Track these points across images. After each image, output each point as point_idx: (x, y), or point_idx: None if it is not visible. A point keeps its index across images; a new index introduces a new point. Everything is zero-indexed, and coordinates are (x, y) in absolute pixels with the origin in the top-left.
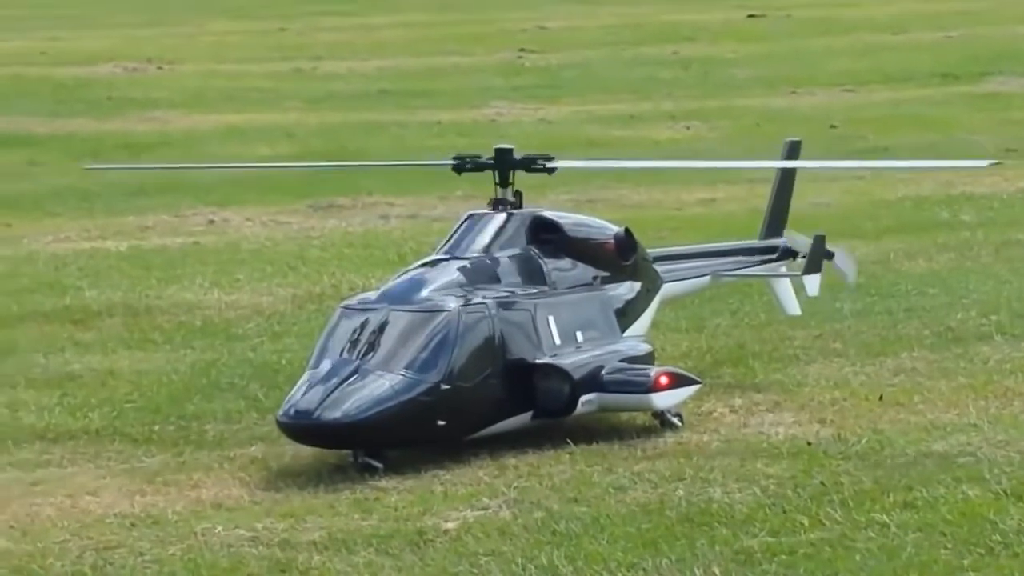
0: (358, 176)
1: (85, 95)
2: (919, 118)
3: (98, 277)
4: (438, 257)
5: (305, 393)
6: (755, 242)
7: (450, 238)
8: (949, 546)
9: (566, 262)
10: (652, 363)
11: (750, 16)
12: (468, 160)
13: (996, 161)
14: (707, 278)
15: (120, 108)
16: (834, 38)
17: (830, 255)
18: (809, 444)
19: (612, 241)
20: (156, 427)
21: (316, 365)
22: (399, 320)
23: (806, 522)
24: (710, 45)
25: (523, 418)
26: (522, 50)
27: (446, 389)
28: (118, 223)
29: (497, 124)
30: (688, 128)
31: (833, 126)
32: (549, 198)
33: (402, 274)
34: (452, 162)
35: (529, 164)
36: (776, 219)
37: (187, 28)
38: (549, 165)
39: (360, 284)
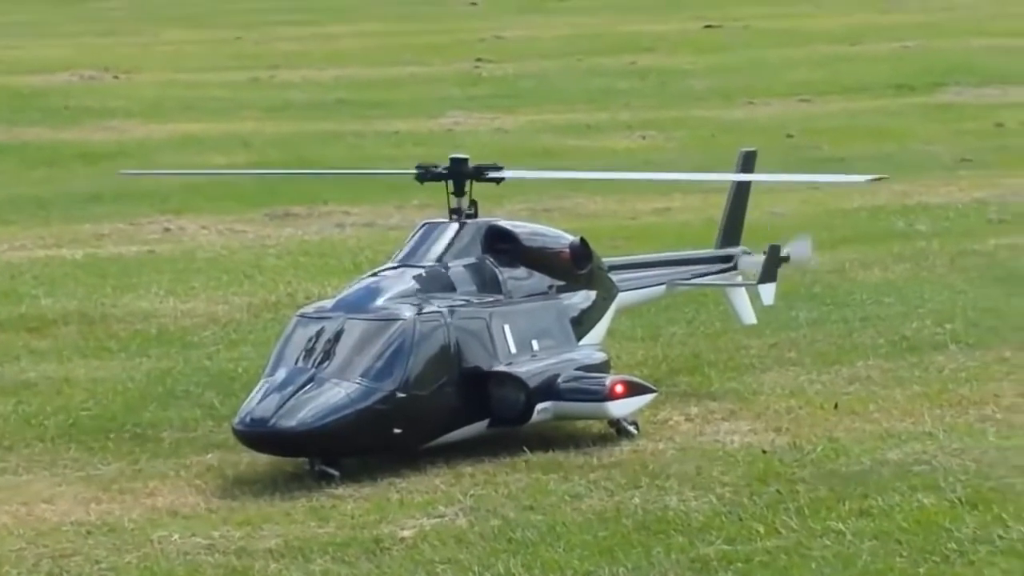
0: (314, 185)
1: (41, 104)
2: (875, 128)
3: (54, 285)
4: (394, 266)
5: (261, 401)
6: (711, 251)
7: (406, 247)
8: (904, 554)
9: (521, 271)
10: (608, 372)
11: (707, 27)
12: (427, 169)
13: (879, 177)
14: (663, 287)
15: (77, 117)
16: (791, 49)
17: (786, 258)
18: (765, 452)
19: (567, 250)
20: (112, 435)
21: (272, 373)
22: (355, 328)
23: (762, 530)
24: (667, 55)
25: (479, 426)
26: (479, 60)
27: (402, 397)
28: (73, 231)
29: (454, 134)
30: (644, 138)
31: (789, 136)
32: (505, 207)
33: (358, 283)
34: (415, 171)
35: (480, 174)
36: (731, 229)
37: (143, 38)
38: (496, 175)
39: (316, 292)
